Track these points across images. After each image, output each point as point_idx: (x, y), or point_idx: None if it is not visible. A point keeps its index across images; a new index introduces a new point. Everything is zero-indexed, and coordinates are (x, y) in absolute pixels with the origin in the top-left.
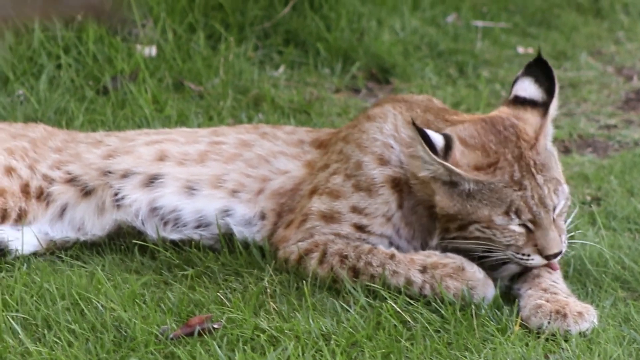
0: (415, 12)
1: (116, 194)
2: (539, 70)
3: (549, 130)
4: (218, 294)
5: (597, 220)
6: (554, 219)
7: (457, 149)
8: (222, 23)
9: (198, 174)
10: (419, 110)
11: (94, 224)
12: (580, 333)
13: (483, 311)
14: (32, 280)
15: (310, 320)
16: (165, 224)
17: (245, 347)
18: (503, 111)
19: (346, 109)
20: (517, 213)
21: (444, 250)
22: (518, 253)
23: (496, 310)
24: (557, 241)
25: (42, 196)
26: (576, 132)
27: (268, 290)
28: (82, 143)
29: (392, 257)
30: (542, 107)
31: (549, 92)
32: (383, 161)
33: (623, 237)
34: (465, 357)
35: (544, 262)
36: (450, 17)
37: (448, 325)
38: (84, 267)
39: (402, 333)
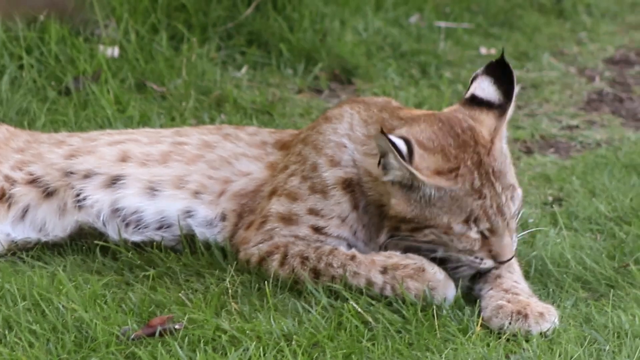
0: (378, 12)
1: (78, 195)
2: (500, 71)
3: (504, 133)
4: (179, 294)
5: (559, 220)
6: (507, 223)
7: (417, 153)
8: (185, 24)
9: (160, 174)
10: (376, 109)
11: (55, 225)
12: (541, 333)
13: (444, 312)
14: None
15: (272, 321)
16: (127, 225)
17: (207, 347)
18: (458, 110)
19: (309, 109)
20: (476, 222)
21: (387, 248)
22: (471, 256)
23: (457, 311)
24: (511, 247)
25: (4, 198)
26: (538, 133)
27: (229, 290)
28: (44, 143)
29: (353, 258)
30: (498, 109)
31: (507, 95)
32: (334, 162)
33: (584, 237)
34: (427, 358)
35: (495, 265)
36: (413, 17)
37: (409, 326)
38: (45, 267)
39: (364, 333)
